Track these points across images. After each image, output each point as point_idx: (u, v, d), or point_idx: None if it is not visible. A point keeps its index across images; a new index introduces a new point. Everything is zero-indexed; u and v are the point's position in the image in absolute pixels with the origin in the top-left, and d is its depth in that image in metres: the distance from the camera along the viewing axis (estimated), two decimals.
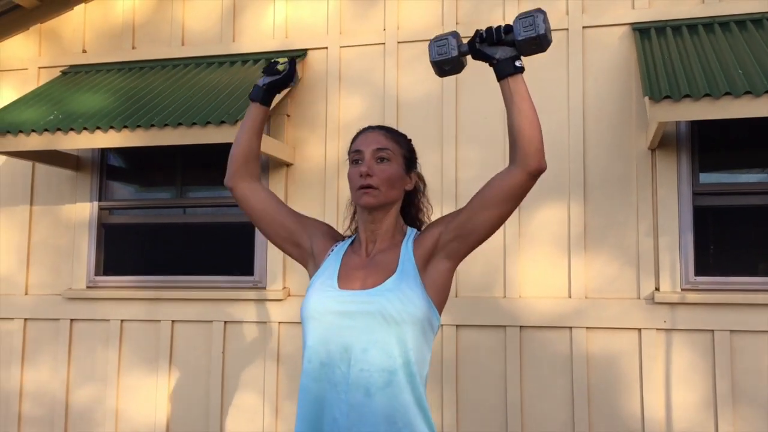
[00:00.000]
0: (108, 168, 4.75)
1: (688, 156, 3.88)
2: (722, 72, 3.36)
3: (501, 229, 4.02)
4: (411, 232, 1.97)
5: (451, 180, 4.15)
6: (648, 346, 3.83)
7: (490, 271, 4.06)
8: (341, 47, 4.41)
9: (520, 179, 1.76)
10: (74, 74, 4.74)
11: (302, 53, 4.43)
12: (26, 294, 4.70)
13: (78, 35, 4.87)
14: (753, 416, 3.69)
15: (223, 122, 3.67)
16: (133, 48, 4.76)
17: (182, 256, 4.55)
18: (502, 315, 4.01)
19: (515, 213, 4.05)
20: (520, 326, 4.00)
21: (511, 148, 1.78)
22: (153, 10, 4.77)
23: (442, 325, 4.05)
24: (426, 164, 4.16)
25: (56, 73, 4.85)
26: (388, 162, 1.91)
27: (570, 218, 3.99)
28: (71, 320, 4.60)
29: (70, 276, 4.65)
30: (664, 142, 3.87)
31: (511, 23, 1.81)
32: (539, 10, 1.77)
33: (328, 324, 1.83)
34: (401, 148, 1.96)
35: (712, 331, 3.76)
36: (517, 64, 1.78)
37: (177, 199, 4.64)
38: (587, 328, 3.92)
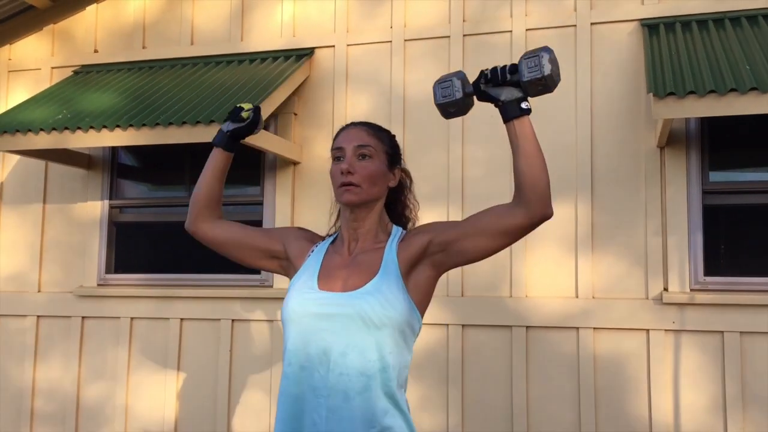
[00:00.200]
0: (119, 167, 4.79)
1: (698, 154, 3.81)
2: (729, 68, 3.29)
3: None
4: (396, 231, 1.93)
5: (457, 179, 4.12)
6: (656, 347, 3.77)
7: (497, 270, 4.02)
8: (348, 45, 4.40)
9: (521, 223, 1.71)
10: (86, 74, 4.78)
11: (309, 52, 4.43)
12: (39, 291, 4.76)
13: (90, 35, 4.91)
14: (763, 420, 3.62)
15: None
16: (144, 48, 4.80)
17: (191, 255, 4.57)
18: (509, 315, 3.98)
19: None
20: (527, 326, 3.96)
21: (515, 190, 1.72)
22: (163, 10, 4.80)
23: (447, 324, 4.04)
24: (432, 163, 4.15)
25: (68, 72, 4.90)
26: (369, 159, 1.88)
27: (577, 217, 3.95)
28: (82, 318, 4.65)
29: (81, 274, 4.70)
30: (674, 139, 3.81)
31: (517, 62, 1.74)
32: (545, 49, 1.70)
33: (308, 326, 1.81)
34: (384, 145, 1.92)
35: (722, 332, 3.69)
36: (523, 105, 1.72)
37: (187, 197, 4.66)
38: (594, 328, 3.87)
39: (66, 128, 3.95)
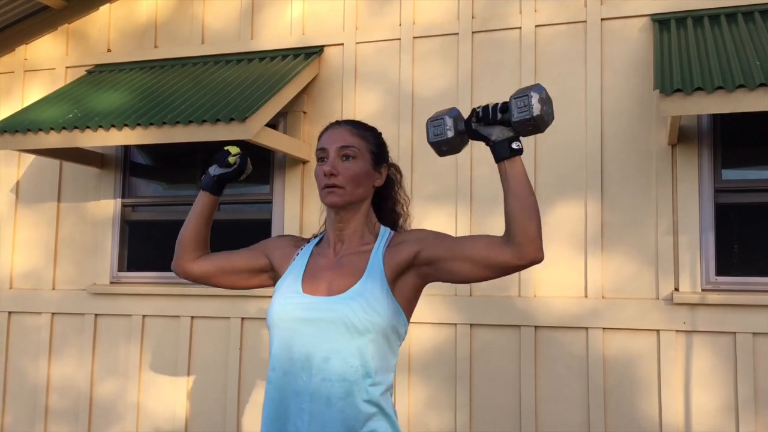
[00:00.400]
0: (131, 165, 4.83)
1: (710, 151, 3.74)
2: (739, 64, 3.22)
3: None
4: (384, 232, 1.90)
5: (466, 178, 4.09)
6: (667, 348, 3.70)
7: None
8: (357, 43, 4.39)
9: (508, 261, 1.67)
10: (99, 73, 4.82)
11: (318, 50, 4.42)
12: (53, 289, 4.81)
13: (103, 35, 4.95)
14: None
15: (232, 120, 3.69)
16: (155, 47, 4.83)
17: None
18: (517, 314, 3.94)
19: None
20: (535, 326, 3.91)
21: (506, 229, 1.69)
22: (174, 9, 4.82)
23: (455, 324, 4.01)
24: (441, 161, 4.12)
25: (82, 72, 4.95)
26: (353, 160, 1.85)
27: (587, 215, 3.89)
28: (95, 315, 4.69)
29: (94, 271, 4.74)
30: (685, 137, 3.74)
31: (508, 100, 1.70)
32: (536, 88, 1.65)
33: (291, 331, 1.80)
34: (368, 144, 1.90)
35: (734, 333, 3.62)
36: (514, 146, 1.69)
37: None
38: (604, 328, 3.82)
39: (75, 127, 3.99)
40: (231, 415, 4.34)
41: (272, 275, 2.00)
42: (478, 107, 1.75)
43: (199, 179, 4.70)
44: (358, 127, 1.92)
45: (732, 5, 3.79)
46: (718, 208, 3.72)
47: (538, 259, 1.66)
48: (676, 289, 3.72)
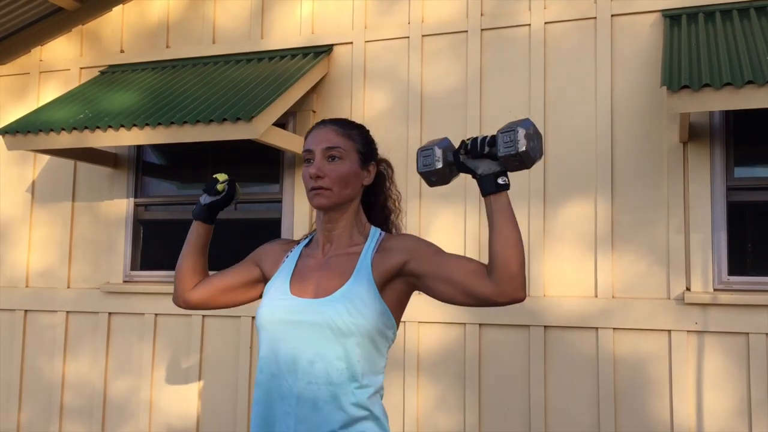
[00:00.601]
0: (144, 165, 4.86)
1: (722, 148, 3.68)
2: (749, 60, 3.16)
3: (525, 225, 3.92)
4: (374, 234, 1.88)
5: None
6: (678, 348, 3.65)
7: None
8: (366, 42, 4.37)
9: (488, 295, 1.65)
10: (111, 74, 4.86)
11: (328, 49, 4.41)
12: (68, 287, 4.86)
13: (116, 36, 4.99)
14: None
15: (238, 119, 3.69)
16: (167, 47, 4.86)
17: (212, 252, 4.60)
18: (526, 314, 3.90)
19: (539, 208, 3.93)
20: (545, 326, 3.88)
21: (488, 263, 1.66)
22: (186, 10, 4.84)
23: (464, 323, 3.98)
24: None
25: (96, 73, 4.99)
26: (339, 160, 1.83)
27: (597, 214, 3.85)
28: (109, 314, 4.73)
29: (108, 270, 4.78)
30: (697, 134, 3.68)
31: (495, 134, 1.68)
32: (523, 123, 1.62)
33: (277, 334, 1.79)
34: (354, 143, 1.87)
35: (747, 334, 3.56)
36: (500, 181, 1.66)
37: None
38: (614, 328, 3.77)
39: (86, 128, 4.03)
40: (242, 412, 4.36)
41: (266, 284, 1.99)
42: (468, 139, 1.73)
43: (209, 179, 4.71)
44: (343, 126, 1.89)
45: (745, 0, 3.71)
46: (730, 206, 3.66)
47: (518, 298, 1.64)
48: (688, 289, 3.66)
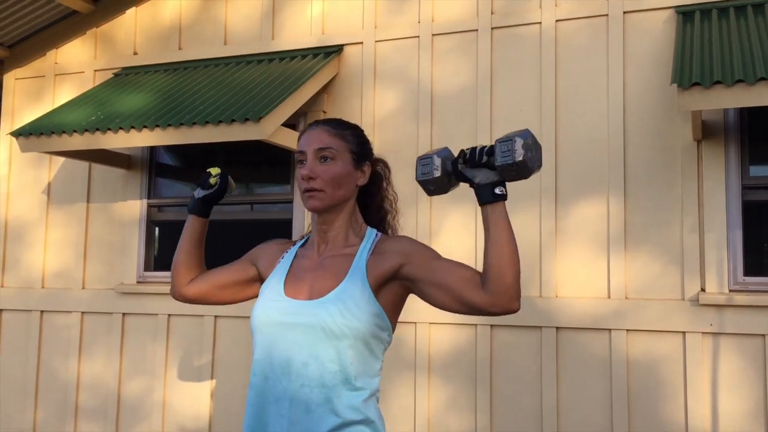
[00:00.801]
0: (157, 166, 4.89)
1: (737, 146, 3.61)
2: (762, 56, 3.09)
3: (536, 225, 3.88)
4: (370, 235, 1.85)
5: None
6: (693, 350, 3.59)
7: (526, 269, 3.90)
8: (376, 41, 4.36)
9: (481, 304, 1.63)
10: (125, 76, 4.89)
11: (338, 49, 4.40)
12: (83, 288, 4.89)
13: (129, 38, 5.02)
14: None
15: (247, 120, 3.69)
16: (180, 49, 4.87)
17: (223, 253, 4.61)
18: (538, 315, 3.86)
19: (551, 208, 3.88)
20: (557, 327, 3.83)
21: (483, 273, 1.64)
22: (198, 11, 4.86)
23: (475, 324, 3.95)
24: None
25: (110, 75, 5.02)
26: (332, 161, 1.81)
27: (609, 213, 3.79)
28: (123, 314, 4.76)
29: (121, 271, 4.81)
30: (711, 132, 3.62)
31: (493, 144, 1.67)
32: (522, 134, 1.62)
33: (272, 336, 1.77)
34: (347, 144, 1.85)
35: (763, 335, 3.49)
36: (497, 191, 1.65)
37: None
38: (627, 330, 3.71)
39: (97, 129, 4.05)
40: None
41: (261, 284, 1.98)
42: (467, 148, 1.72)
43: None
44: (336, 126, 1.86)
45: None
46: (745, 205, 3.59)
47: (512, 309, 1.62)
48: (703, 290, 3.60)
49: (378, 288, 1.76)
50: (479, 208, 1.69)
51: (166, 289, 4.60)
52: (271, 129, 3.73)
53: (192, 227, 2.05)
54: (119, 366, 4.73)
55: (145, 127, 3.94)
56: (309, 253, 1.88)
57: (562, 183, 3.89)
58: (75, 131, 4.10)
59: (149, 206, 4.82)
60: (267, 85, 4.08)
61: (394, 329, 1.83)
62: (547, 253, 3.87)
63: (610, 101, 3.83)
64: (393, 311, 1.81)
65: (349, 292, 1.74)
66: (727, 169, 3.60)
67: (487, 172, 1.66)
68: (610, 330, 3.74)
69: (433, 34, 4.23)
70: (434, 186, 1.76)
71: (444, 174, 1.73)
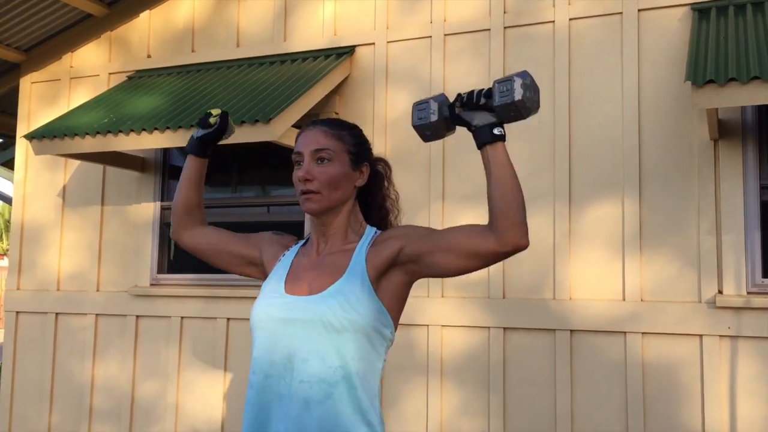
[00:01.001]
0: (170, 168, 4.89)
1: (755, 146, 3.54)
2: None
3: (550, 226, 3.82)
4: (369, 232, 1.84)
5: None
6: (710, 354, 3.52)
7: (539, 271, 3.85)
8: (388, 42, 4.33)
9: (492, 249, 1.61)
10: (138, 79, 4.90)
11: (350, 50, 4.38)
12: (97, 290, 4.91)
13: (143, 41, 5.03)
14: None
15: (257, 121, 3.68)
16: (193, 51, 4.88)
17: None
18: (552, 318, 3.80)
19: (565, 209, 3.83)
20: (571, 330, 3.77)
21: (489, 216, 1.63)
22: (211, 14, 4.86)
23: (488, 327, 3.90)
24: (473, 161, 4.02)
25: (124, 78, 5.03)
26: (329, 162, 1.79)
27: (624, 215, 3.73)
28: (137, 317, 4.77)
29: (135, 274, 4.81)
30: (728, 131, 3.54)
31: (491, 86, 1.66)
32: (521, 74, 1.61)
33: (272, 332, 1.75)
34: (344, 144, 1.82)
35: None
36: (496, 131, 1.63)
37: (234, 198, 4.73)
38: (643, 333, 3.65)
39: (109, 131, 4.06)
40: None
41: (261, 270, 1.96)
42: (464, 93, 1.70)
43: (234, 182, 4.73)
44: (333, 127, 1.84)
45: None
46: (764, 205, 3.51)
47: (522, 245, 1.60)
48: (720, 292, 3.53)
49: (378, 278, 1.74)
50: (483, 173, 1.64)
51: (180, 291, 4.61)
52: (281, 130, 3.71)
53: (191, 167, 2.02)
54: (133, 368, 4.74)
55: (156, 129, 3.94)
56: (309, 252, 1.87)
57: (576, 183, 3.84)
58: (87, 134, 4.11)
59: (162, 208, 4.82)
60: (278, 87, 4.06)
61: (396, 327, 1.80)
62: (560, 254, 3.82)
63: (624, 101, 3.77)
64: (394, 306, 1.78)
65: (349, 286, 1.72)
66: (744, 169, 3.53)
67: (485, 114, 1.65)
68: (625, 333, 3.68)
69: (445, 34, 4.19)
70: (430, 131, 1.74)
71: (441, 118, 1.71)
